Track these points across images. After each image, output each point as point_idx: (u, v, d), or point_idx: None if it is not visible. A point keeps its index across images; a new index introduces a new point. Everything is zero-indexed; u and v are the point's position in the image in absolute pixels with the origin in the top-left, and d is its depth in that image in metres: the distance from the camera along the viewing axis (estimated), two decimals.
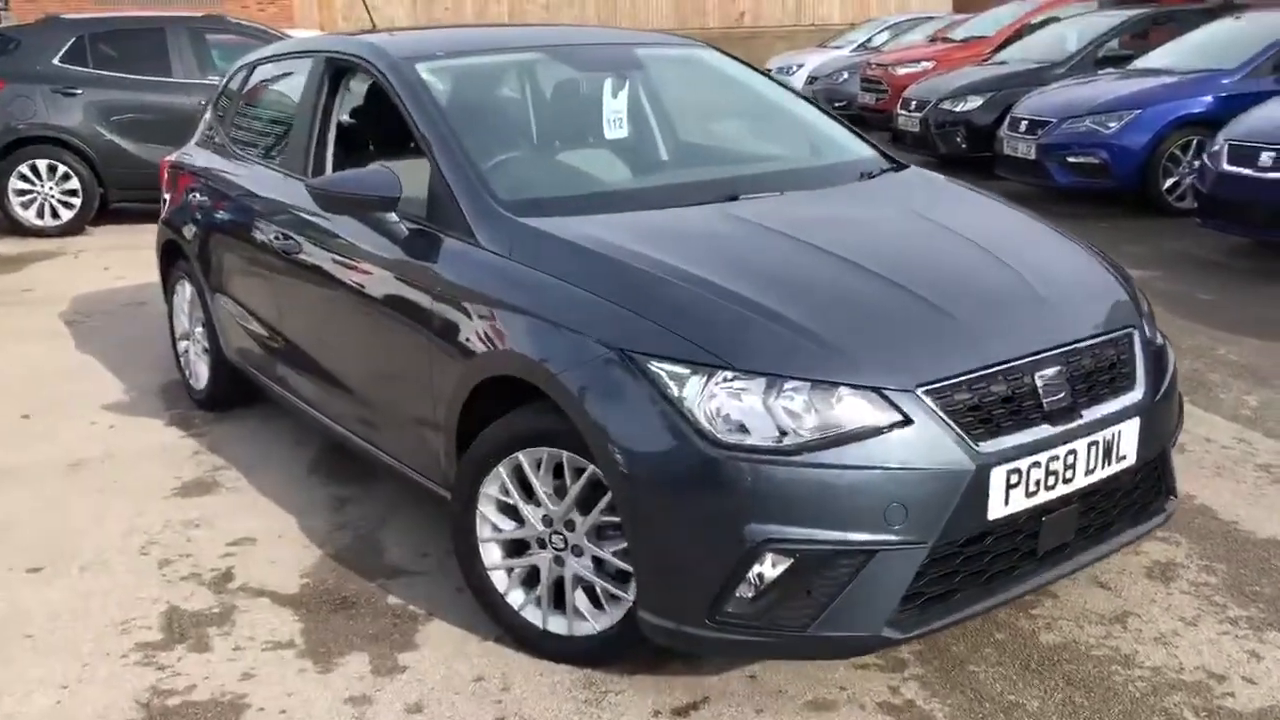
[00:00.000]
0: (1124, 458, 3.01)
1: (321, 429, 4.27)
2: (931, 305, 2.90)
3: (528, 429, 3.03)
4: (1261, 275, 7.16)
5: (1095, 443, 2.92)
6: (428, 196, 3.49)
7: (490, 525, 3.18)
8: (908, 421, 2.66)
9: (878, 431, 2.64)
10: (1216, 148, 7.49)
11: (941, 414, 2.68)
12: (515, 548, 3.19)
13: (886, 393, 2.67)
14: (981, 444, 2.71)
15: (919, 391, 2.69)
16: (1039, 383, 2.86)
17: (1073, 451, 2.86)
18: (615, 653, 3.06)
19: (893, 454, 2.63)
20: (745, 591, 2.67)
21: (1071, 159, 9.29)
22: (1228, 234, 7.66)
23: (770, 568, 2.65)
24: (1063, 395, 2.89)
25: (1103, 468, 2.96)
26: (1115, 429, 2.97)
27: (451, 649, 3.22)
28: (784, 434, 2.64)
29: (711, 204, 3.46)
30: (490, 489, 3.14)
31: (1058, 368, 2.91)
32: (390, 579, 3.65)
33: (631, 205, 3.44)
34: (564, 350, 2.89)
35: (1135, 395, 3.07)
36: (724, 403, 2.67)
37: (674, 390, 2.70)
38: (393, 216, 3.51)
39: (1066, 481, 2.87)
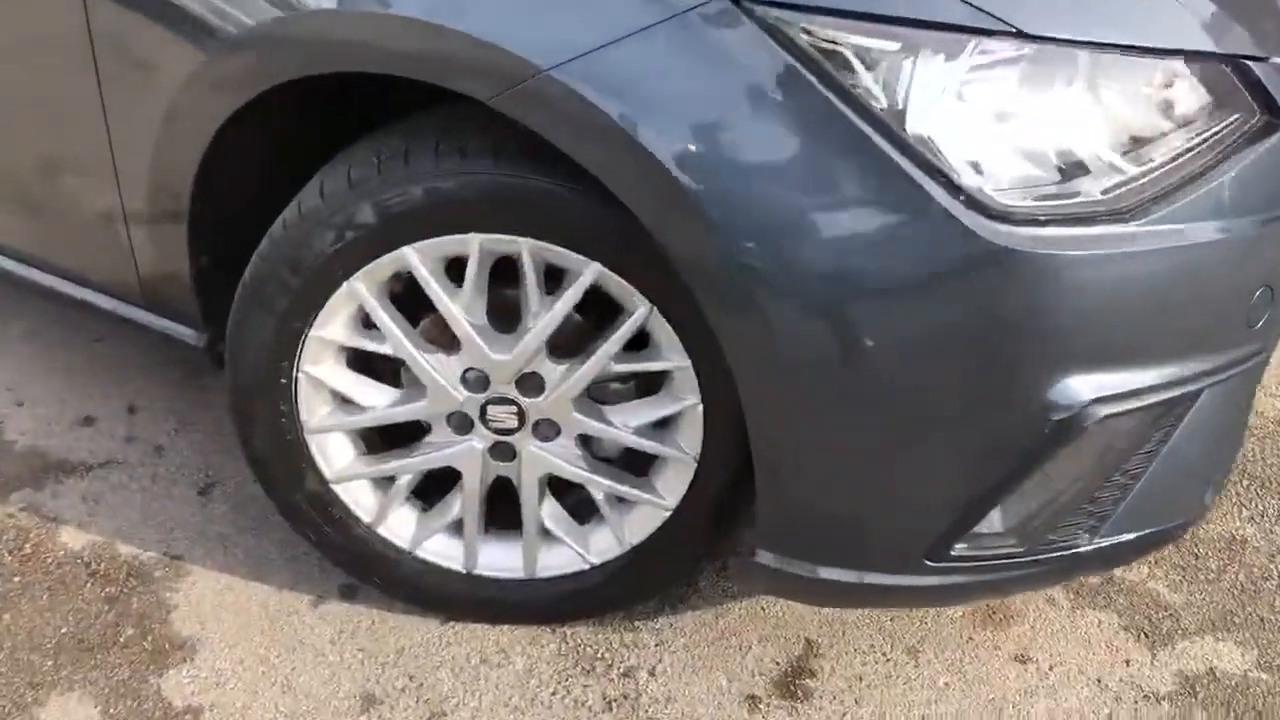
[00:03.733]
0: None
1: None
2: None
3: (431, 200, 1.34)
4: None
5: None
6: None
7: (330, 399, 1.51)
8: (1275, 122, 1.35)
9: (1235, 148, 1.31)
10: None
11: None
12: (393, 438, 1.57)
13: (1248, 66, 1.32)
14: None
15: None
16: None
17: None
18: (623, 598, 1.63)
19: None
20: (1016, 503, 1.33)
21: None
22: None
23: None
24: None
25: None
26: None
27: (265, 639, 1.60)
28: (1076, 175, 1.23)
29: None
30: (330, 328, 1.45)
31: None
32: (72, 477, 1.85)
33: None
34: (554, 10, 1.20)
35: None
36: (970, 119, 1.19)
37: (873, 87, 1.16)
38: None
39: None
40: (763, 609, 1.69)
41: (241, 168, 1.50)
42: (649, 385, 1.50)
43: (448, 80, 1.25)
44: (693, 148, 1.18)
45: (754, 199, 1.19)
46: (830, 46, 1.16)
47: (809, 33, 1.15)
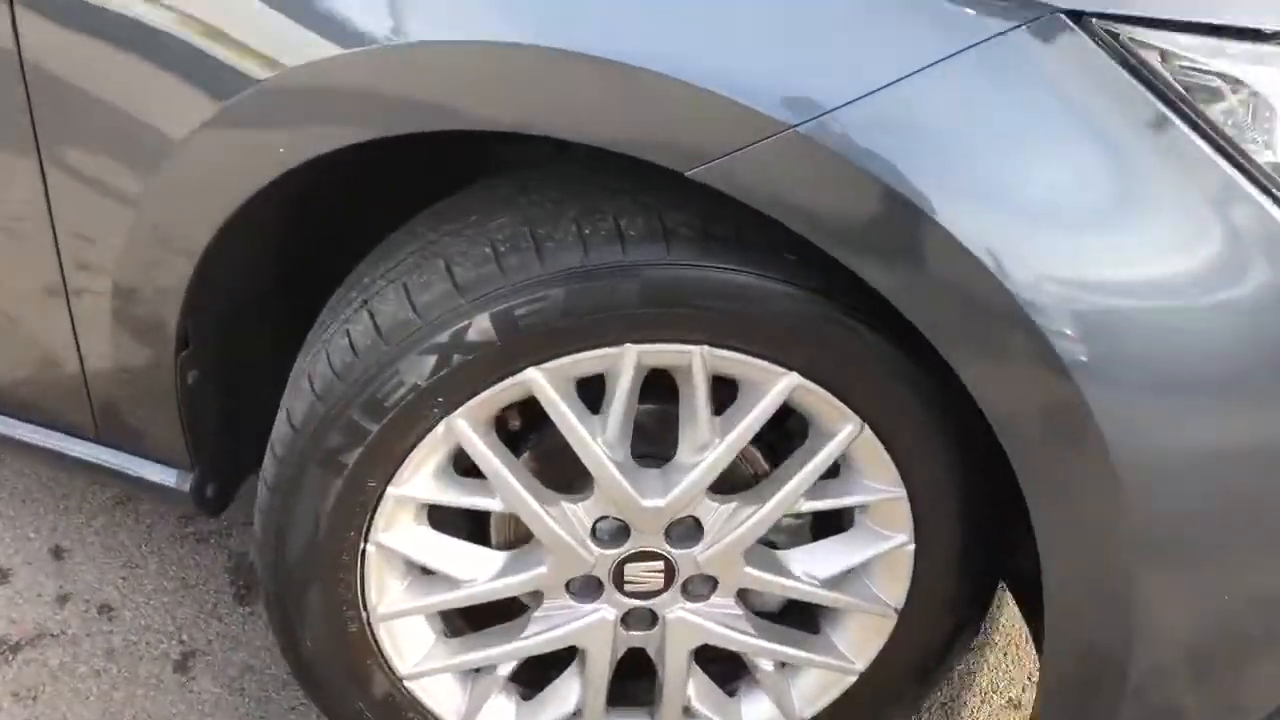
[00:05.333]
0: None
1: None
2: None
3: (577, 304, 0.93)
4: None
5: None
6: None
7: (406, 572, 1.09)
8: None
9: None
10: None
11: None
12: (485, 615, 1.16)
13: None
14: None
15: None
16: None
17: None
18: None
19: None
20: None
21: None
22: None
23: None
24: None
25: None
26: None
27: None
28: None
29: None
30: (415, 482, 1.03)
31: None
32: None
33: None
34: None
35: None
36: None
37: (1253, 130, 0.83)
38: None
39: None
40: None
41: (261, 245, 1.07)
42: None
43: (629, 145, 0.85)
44: (1007, 218, 0.82)
45: (1090, 274, 0.84)
46: (1197, 77, 0.82)
47: (1172, 57, 0.81)
